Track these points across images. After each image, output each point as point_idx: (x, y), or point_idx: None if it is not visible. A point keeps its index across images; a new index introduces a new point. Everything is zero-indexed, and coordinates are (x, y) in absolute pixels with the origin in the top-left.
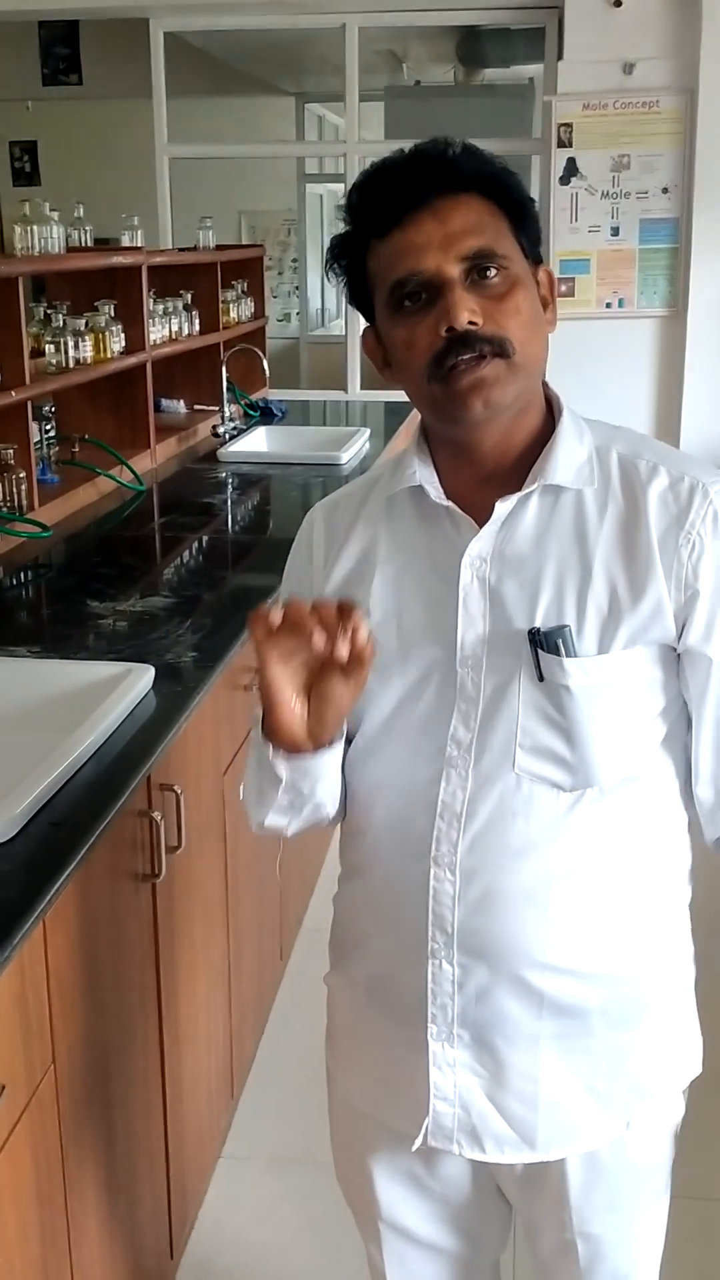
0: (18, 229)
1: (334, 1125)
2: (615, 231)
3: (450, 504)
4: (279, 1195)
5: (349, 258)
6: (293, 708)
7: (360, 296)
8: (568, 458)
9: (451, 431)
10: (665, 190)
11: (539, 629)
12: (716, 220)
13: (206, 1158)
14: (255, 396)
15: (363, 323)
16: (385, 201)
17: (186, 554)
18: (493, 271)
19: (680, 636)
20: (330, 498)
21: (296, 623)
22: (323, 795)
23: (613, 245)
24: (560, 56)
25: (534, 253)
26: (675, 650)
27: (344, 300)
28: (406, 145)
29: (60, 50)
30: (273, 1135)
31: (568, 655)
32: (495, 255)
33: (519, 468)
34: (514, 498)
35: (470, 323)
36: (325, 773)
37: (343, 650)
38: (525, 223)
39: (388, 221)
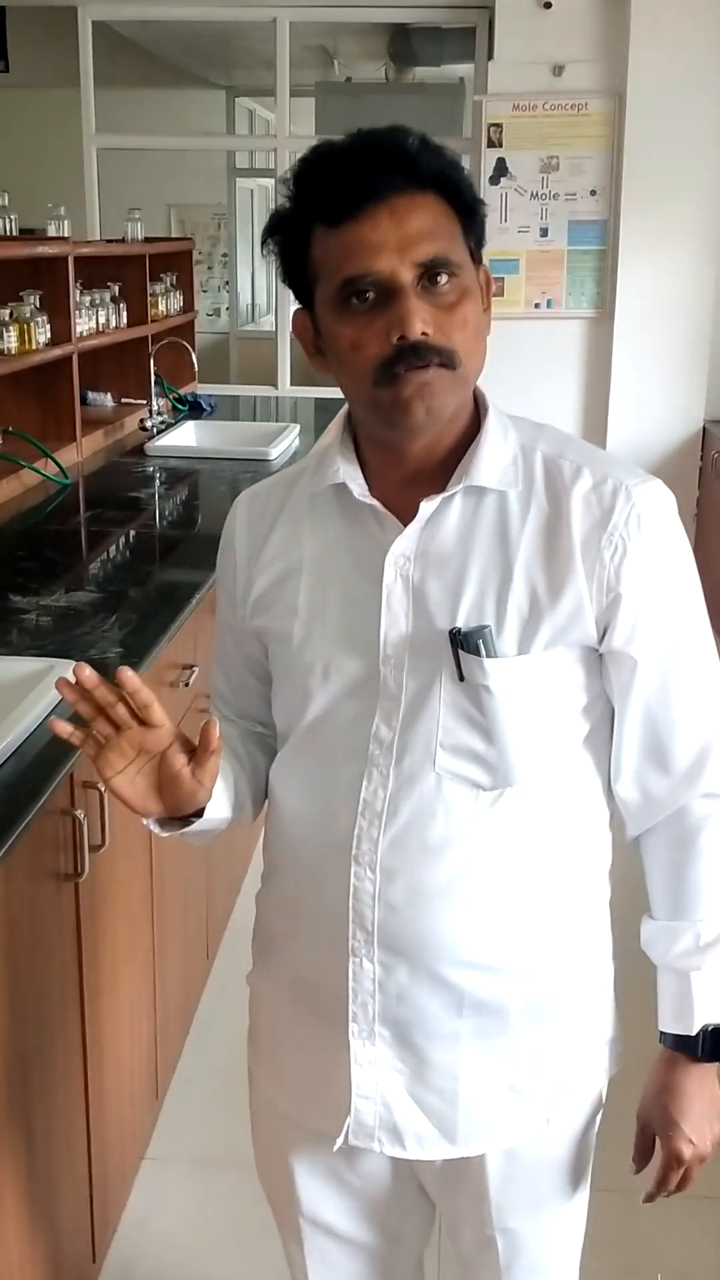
0: None
1: (255, 1123)
2: (544, 232)
3: (375, 502)
4: (202, 1197)
5: (288, 237)
6: (145, 804)
7: (296, 278)
8: (492, 459)
9: (388, 434)
10: (593, 192)
11: (459, 629)
12: (643, 223)
13: (129, 1160)
14: (184, 391)
15: (292, 315)
16: (339, 189)
17: (113, 549)
18: (444, 279)
19: (602, 639)
20: (252, 490)
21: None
22: (221, 824)
23: (541, 246)
24: (491, 56)
25: (478, 253)
26: (597, 651)
27: (274, 297)
28: (349, 132)
29: None
30: (196, 1137)
31: (488, 655)
32: (449, 264)
33: (445, 467)
34: (438, 498)
35: (423, 333)
36: (213, 819)
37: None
38: (474, 225)
39: (340, 211)
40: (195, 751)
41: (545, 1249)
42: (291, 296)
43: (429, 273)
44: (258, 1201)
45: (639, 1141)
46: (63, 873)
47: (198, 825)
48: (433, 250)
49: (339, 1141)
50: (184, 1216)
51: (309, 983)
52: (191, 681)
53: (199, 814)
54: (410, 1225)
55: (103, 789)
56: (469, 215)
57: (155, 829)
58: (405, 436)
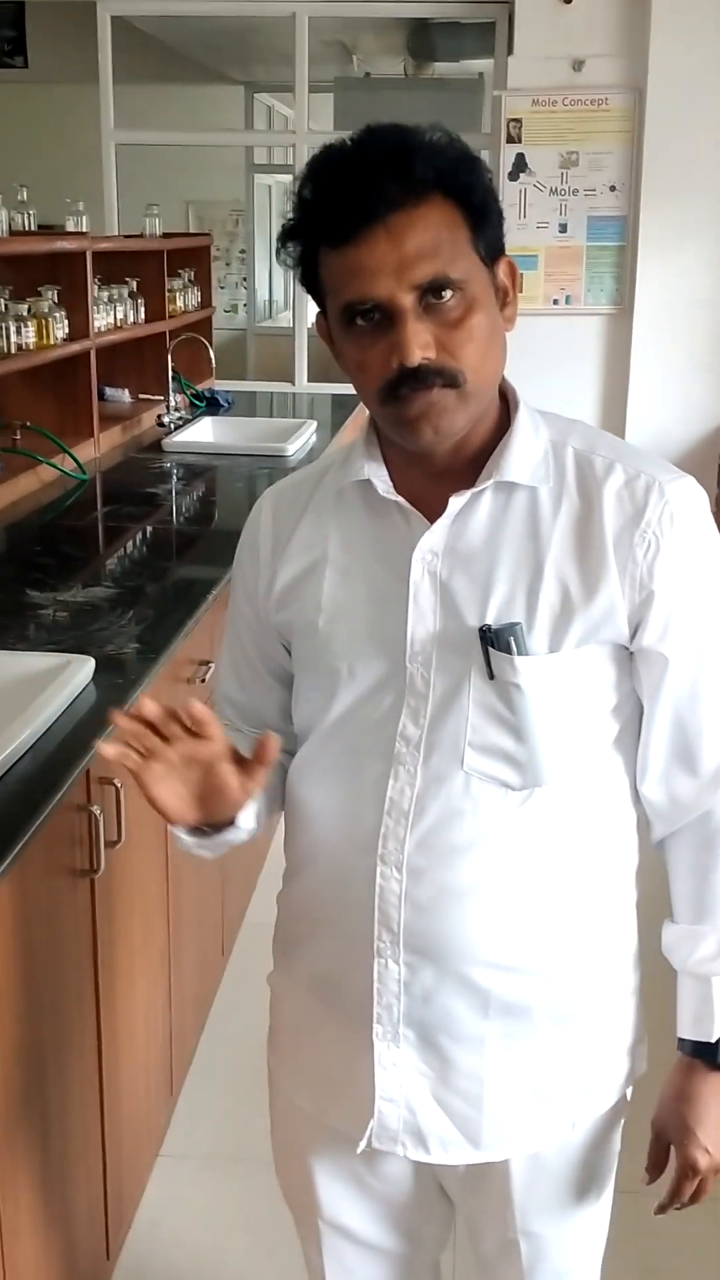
0: None
1: (275, 1125)
2: (563, 228)
3: (400, 498)
4: (217, 1194)
5: (298, 249)
6: (182, 814)
7: (312, 285)
8: (522, 454)
9: (404, 446)
10: (613, 188)
11: (490, 626)
12: (663, 219)
13: (144, 1157)
14: (201, 387)
15: (312, 315)
16: (335, 210)
17: (130, 544)
18: (448, 295)
19: (634, 636)
20: (279, 485)
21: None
22: (242, 837)
23: (560, 242)
24: (510, 52)
25: (495, 249)
26: (628, 649)
27: (292, 293)
28: (358, 130)
29: (6, 32)
30: (211, 1134)
31: (519, 653)
32: (451, 281)
33: (473, 463)
34: (468, 493)
35: (423, 358)
36: (244, 829)
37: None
38: (486, 225)
39: (337, 235)
40: (243, 762)
41: (568, 1253)
42: (307, 293)
43: (431, 291)
44: (272, 1199)
45: (653, 1149)
46: (79, 868)
47: (227, 834)
48: (431, 270)
49: (362, 1145)
50: (198, 1213)
51: (332, 983)
52: (208, 678)
53: (230, 822)
54: (429, 1229)
55: (119, 785)
56: (480, 216)
57: (185, 837)
58: (420, 451)
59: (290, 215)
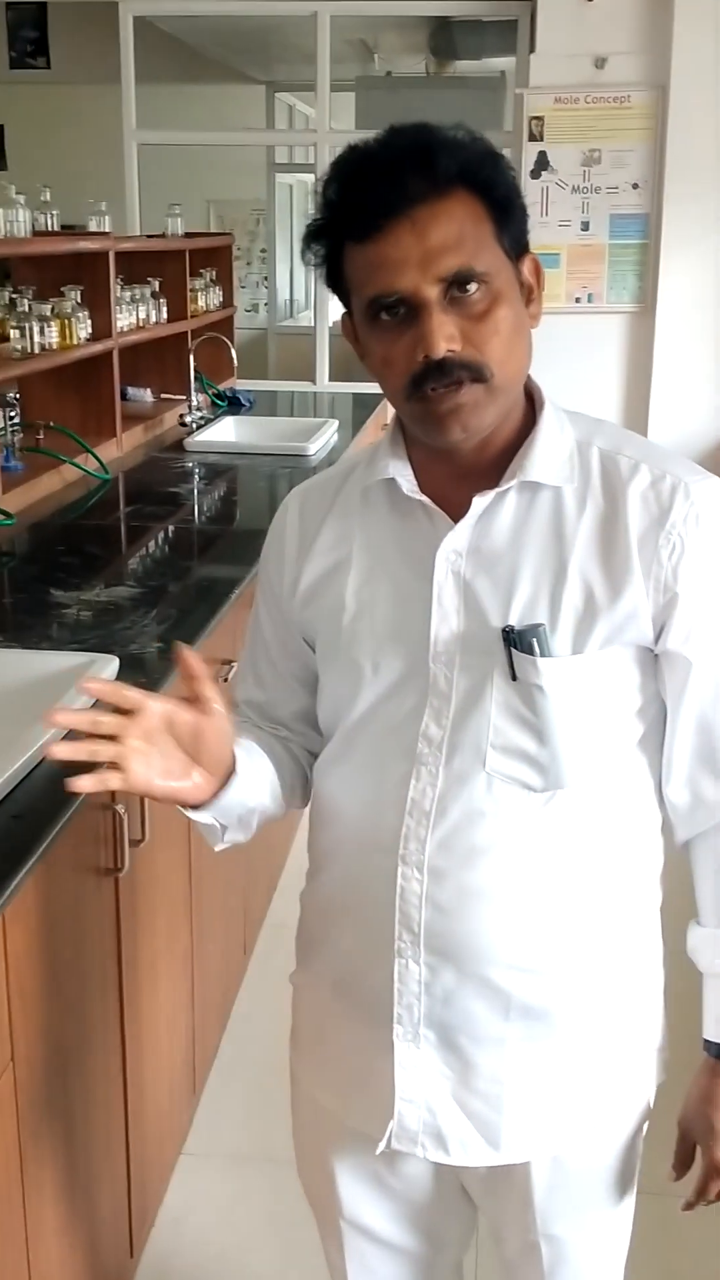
0: None
1: (296, 1124)
2: (585, 226)
3: (424, 498)
4: (239, 1193)
5: (324, 249)
6: (181, 785)
7: (337, 284)
8: (547, 454)
9: (430, 443)
10: (635, 185)
11: (513, 627)
12: (686, 216)
13: (167, 1155)
14: (223, 386)
15: (333, 314)
16: (360, 205)
17: (152, 544)
18: (473, 288)
19: (658, 639)
20: (305, 485)
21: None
22: (259, 801)
23: (582, 240)
24: (532, 49)
25: (519, 245)
26: (653, 651)
27: (313, 292)
28: (382, 130)
29: (28, 33)
30: (233, 1133)
31: (542, 655)
32: (475, 274)
33: (498, 463)
34: (491, 493)
35: (448, 350)
36: (248, 789)
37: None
38: (509, 220)
39: (362, 229)
40: (191, 701)
41: (590, 1256)
42: (331, 293)
43: (456, 284)
44: (295, 1198)
45: (679, 1149)
46: (103, 867)
47: (234, 791)
48: (456, 263)
49: (381, 1145)
50: (221, 1212)
51: (353, 983)
52: (231, 677)
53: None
54: (451, 1229)
55: None
56: (504, 211)
57: (210, 820)
58: (447, 448)
59: (315, 214)
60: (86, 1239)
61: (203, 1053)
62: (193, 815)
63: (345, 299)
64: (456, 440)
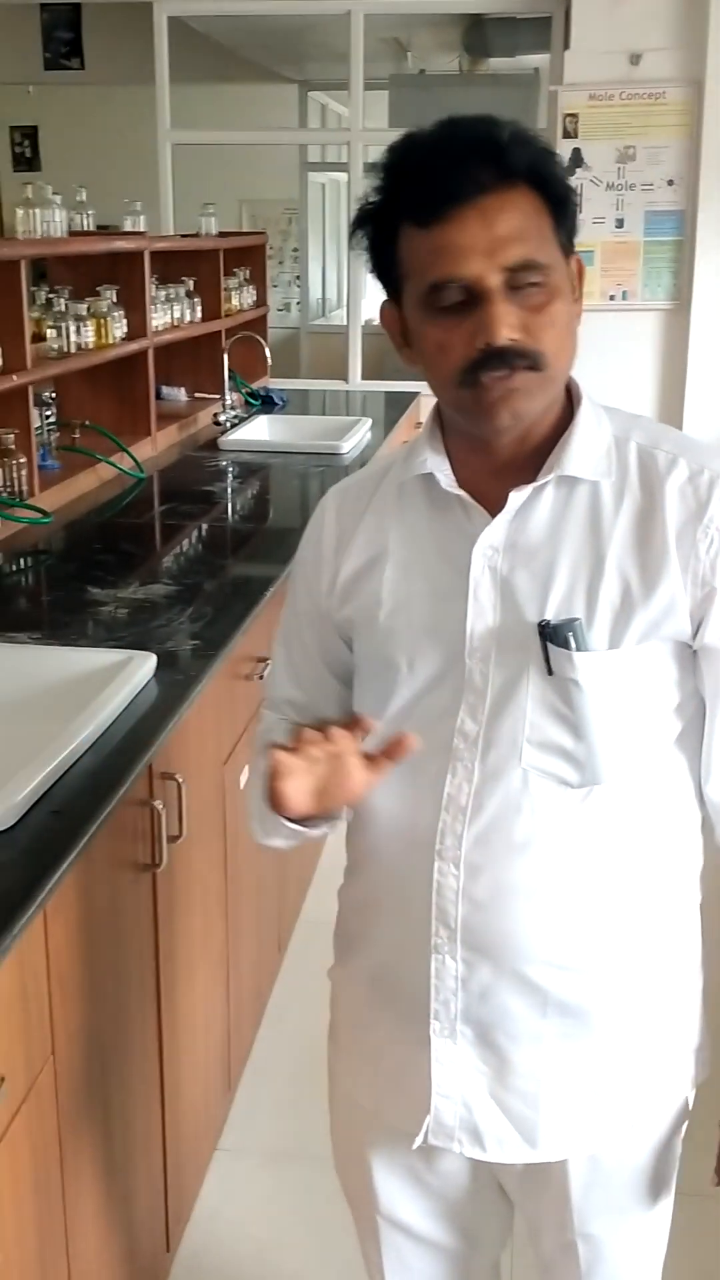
0: (19, 212)
1: (334, 1120)
2: (620, 223)
3: (462, 492)
4: (274, 1190)
5: (376, 231)
6: (302, 804)
7: (384, 271)
8: (585, 448)
9: (475, 431)
10: (670, 182)
11: (549, 622)
12: None
13: (203, 1151)
14: (256, 385)
15: (365, 312)
16: (427, 189)
17: (187, 542)
18: (534, 279)
19: (696, 634)
20: (342, 484)
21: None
22: (327, 831)
23: (617, 237)
24: (567, 46)
25: (569, 244)
26: (691, 647)
27: (346, 291)
28: (433, 122)
29: (62, 34)
30: (269, 1129)
31: (578, 649)
32: (538, 265)
33: (535, 457)
34: (529, 488)
35: (510, 338)
36: (335, 827)
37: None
38: (565, 217)
39: (428, 213)
40: (370, 757)
41: (627, 1255)
42: (364, 291)
43: (517, 275)
44: (329, 1195)
45: None
46: (141, 863)
47: (323, 826)
48: (522, 253)
49: (418, 1140)
50: (256, 1208)
51: (390, 979)
52: (265, 674)
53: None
54: (488, 1227)
55: (180, 780)
56: (560, 207)
57: (286, 825)
58: (492, 436)
59: (369, 199)
60: (123, 1231)
61: (238, 1049)
62: (282, 825)
63: (392, 284)
64: (504, 426)
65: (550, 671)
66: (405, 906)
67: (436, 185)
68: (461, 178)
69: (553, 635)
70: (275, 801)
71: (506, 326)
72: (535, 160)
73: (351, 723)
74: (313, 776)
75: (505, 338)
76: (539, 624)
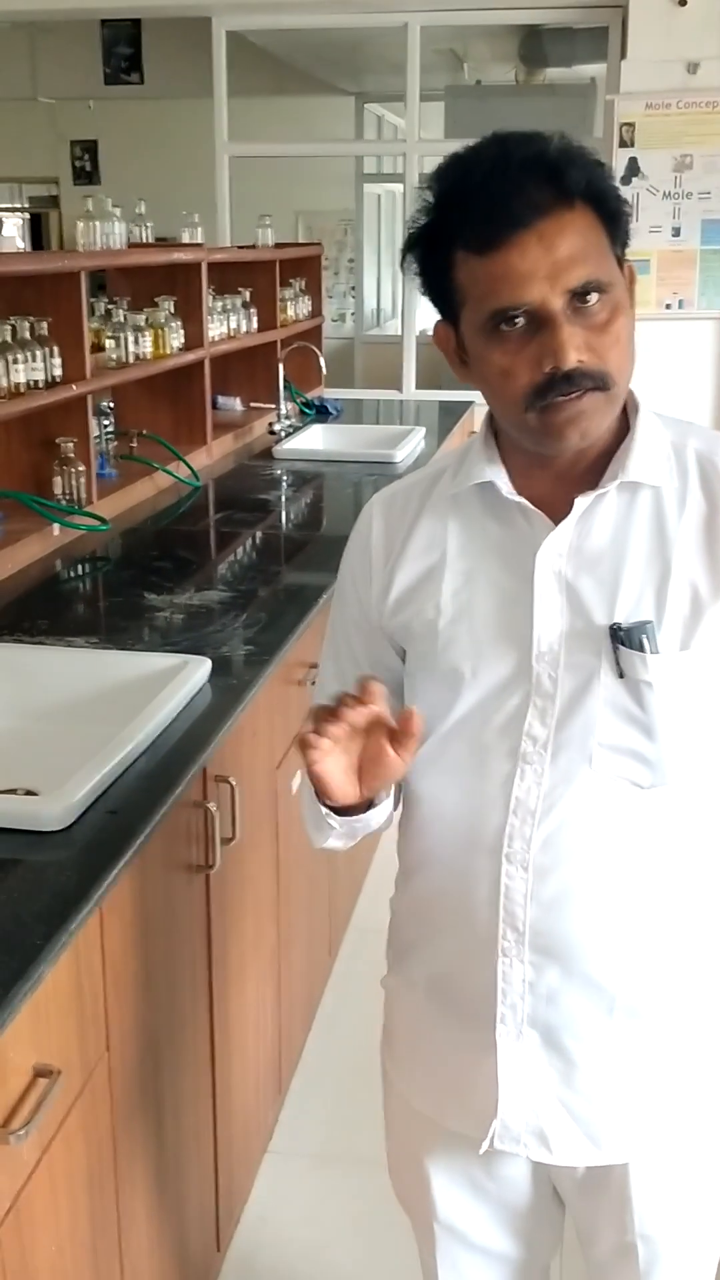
0: (80, 224)
1: (390, 1127)
2: (676, 232)
3: (523, 500)
4: (323, 1193)
5: (428, 254)
6: (344, 787)
7: (437, 294)
8: (646, 454)
9: (540, 450)
10: None
11: (620, 625)
12: None
13: (253, 1152)
14: (311, 395)
15: (420, 323)
16: (482, 214)
17: (241, 549)
18: (596, 298)
19: None
20: (387, 491)
21: (338, 722)
22: (378, 825)
23: (673, 246)
24: (624, 56)
25: (623, 256)
26: None
27: (400, 301)
28: (482, 138)
29: (122, 49)
30: (318, 1133)
31: (650, 651)
32: (600, 284)
33: (595, 465)
34: (593, 494)
35: (578, 360)
36: (379, 816)
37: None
38: (619, 230)
39: (485, 241)
40: (394, 733)
41: (685, 1256)
42: (418, 302)
43: (579, 295)
44: (378, 1199)
45: None
46: (194, 864)
47: (369, 815)
48: (584, 274)
49: (484, 1145)
50: (305, 1211)
51: (452, 985)
52: (314, 684)
53: (370, 803)
54: (543, 1232)
55: (234, 783)
56: (614, 221)
57: (333, 821)
58: (558, 455)
59: (419, 221)
60: (175, 1230)
61: (288, 1052)
62: (329, 817)
63: (448, 308)
64: (572, 446)
65: (621, 674)
66: (468, 911)
67: (493, 212)
68: (518, 203)
69: (625, 638)
70: (318, 786)
71: (574, 349)
72: (590, 178)
73: (365, 691)
74: (346, 754)
75: (574, 360)
76: (611, 627)
